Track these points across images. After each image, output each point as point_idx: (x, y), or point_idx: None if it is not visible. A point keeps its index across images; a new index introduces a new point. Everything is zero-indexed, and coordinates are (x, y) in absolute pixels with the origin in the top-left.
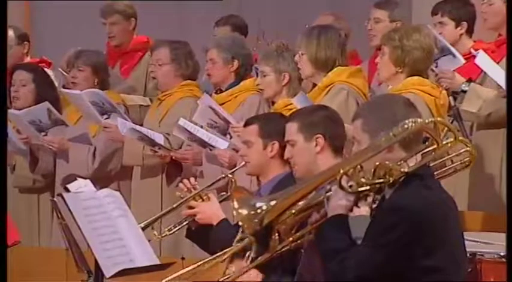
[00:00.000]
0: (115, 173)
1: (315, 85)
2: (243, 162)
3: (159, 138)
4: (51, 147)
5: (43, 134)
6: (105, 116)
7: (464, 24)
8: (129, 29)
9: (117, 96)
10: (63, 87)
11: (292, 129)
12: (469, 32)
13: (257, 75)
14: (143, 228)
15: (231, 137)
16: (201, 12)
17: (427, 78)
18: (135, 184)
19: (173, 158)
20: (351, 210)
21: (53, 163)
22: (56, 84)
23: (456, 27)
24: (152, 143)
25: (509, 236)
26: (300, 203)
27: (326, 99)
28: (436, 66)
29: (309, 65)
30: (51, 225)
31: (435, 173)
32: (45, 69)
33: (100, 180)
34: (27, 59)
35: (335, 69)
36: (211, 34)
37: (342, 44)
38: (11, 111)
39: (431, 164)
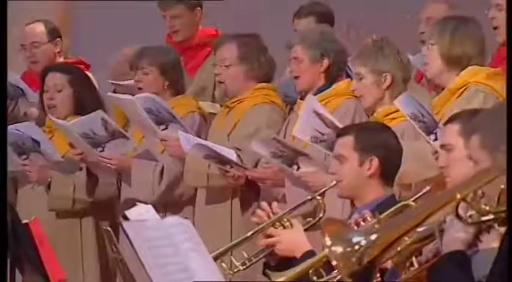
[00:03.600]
0: (187, 198)
1: (442, 89)
2: (334, 182)
3: (231, 155)
4: (109, 165)
5: (99, 149)
6: (163, 126)
7: None
8: (194, 20)
9: (193, 102)
10: (114, 91)
11: (452, 131)
12: None
13: (348, 77)
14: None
15: None
16: None
17: None
18: (199, 211)
19: (249, 178)
20: (472, 245)
21: (116, 184)
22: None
23: None
24: (222, 160)
25: (510, 235)
26: (408, 238)
27: (459, 103)
28: None
29: (439, 60)
30: (96, 259)
31: None
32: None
33: (167, 206)
34: (60, 60)
35: (470, 67)
36: (288, 24)
37: (481, 41)
38: (59, 121)
39: None
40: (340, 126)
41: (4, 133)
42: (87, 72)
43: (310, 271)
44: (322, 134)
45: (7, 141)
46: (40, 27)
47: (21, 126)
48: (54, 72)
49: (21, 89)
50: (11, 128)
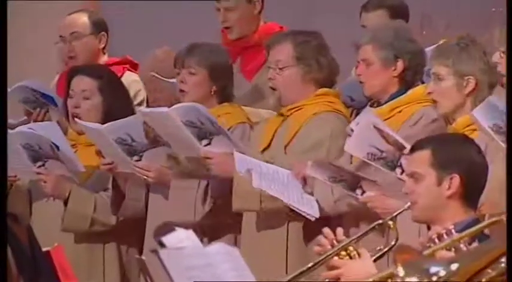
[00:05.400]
0: (233, 222)
1: None
2: (408, 204)
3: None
4: (145, 176)
5: (135, 158)
6: (205, 141)
7: None
8: (253, 13)
9: (241, 111)
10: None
11: None
12: None
13: (422, 83)
14: None
15: (402, 172)
16: None
17: None
18: (247, 239)
19: None
20: None
21: (144, 202)
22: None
23: None
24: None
25: (509, 235)
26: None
27: None
28: None
29: None
30: None
31: None
32: (130, 73)
33: (209, 230)
34: (104, 58)
35: None
36: (354, 19)
37: None
38: (89, 124)
39: None
40: (404, 142)
41: (4, 135)
42: (133, 75)
43: None
44: (381, 151)
45: (7, 144)
46: (83, 18)
47: (39, 126)
48: (82, 75)
49: (52, 98)
50: (27, 127)
